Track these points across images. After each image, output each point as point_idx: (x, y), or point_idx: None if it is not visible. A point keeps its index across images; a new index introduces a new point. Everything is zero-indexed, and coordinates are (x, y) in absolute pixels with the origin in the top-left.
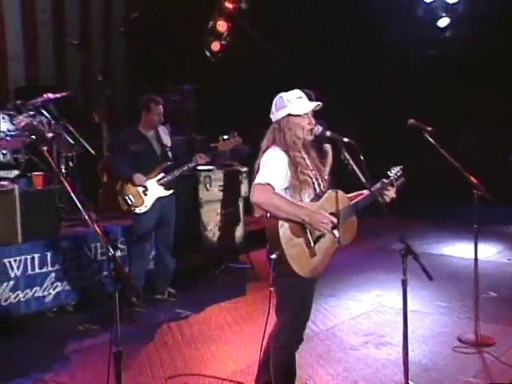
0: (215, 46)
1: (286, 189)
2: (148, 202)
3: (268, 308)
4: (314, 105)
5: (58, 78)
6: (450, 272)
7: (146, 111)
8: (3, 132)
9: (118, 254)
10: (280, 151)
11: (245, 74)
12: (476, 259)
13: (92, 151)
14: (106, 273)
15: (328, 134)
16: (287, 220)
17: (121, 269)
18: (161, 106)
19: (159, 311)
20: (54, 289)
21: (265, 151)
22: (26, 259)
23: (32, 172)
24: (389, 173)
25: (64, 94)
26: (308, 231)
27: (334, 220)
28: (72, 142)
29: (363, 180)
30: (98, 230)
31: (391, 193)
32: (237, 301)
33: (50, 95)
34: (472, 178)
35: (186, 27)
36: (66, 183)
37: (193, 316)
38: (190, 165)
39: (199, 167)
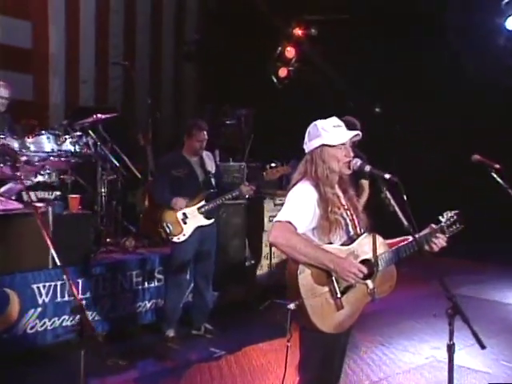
0: (282, 72)
1: (313, 229)
2: (187, 230)
3: (284, 365)
4: (351, 134)
5: (125, 100)
6: None
7: (187, 136)
8: (47, 152)
9: (154, 284)
10: (310, 186)
11: (307, 100)
12: None
13: (138, 175)
14: (71, 324)
15: (367, 168)
16: (310, 265)
17: (87, 321)
18: (204, 132)
19: (192, 349)
20: None
21: (295, 185)
22: (55, 285)
23: (76, 194)
24: (440, 217)
25: (113, 114)
26: (334, 279)
27: (364, 270)
28: (117, 164)
29: (405, 224)
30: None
31: (440, 241)
32: (277, 342)
33: (100, 116)
34: None
35: (252, 52)
36: (40, 223)
37: (226, 356)
38: (234, 193)
39: (248, 195)
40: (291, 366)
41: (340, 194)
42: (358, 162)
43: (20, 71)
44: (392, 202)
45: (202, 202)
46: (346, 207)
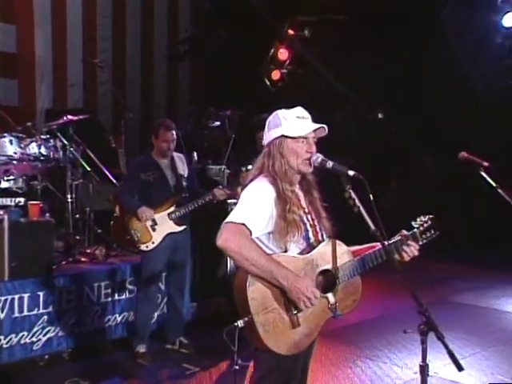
0: (275, 74)
1: (270, 233)
2: (156, 238)
3: None
4: (315, 126)
5: (115, 104)
6: None
7: (154, 137)
8: (9, 156)
9: (125, 295)
10: (266, 183)
11: (302, 104)
12: None
13: (113, 180)
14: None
15: (330, 165)
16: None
17: None
18: (172, 132)
19: (164, 365)
20: (44, 334)
21: (251, 181)
22: (12, 299)
23: (46, 200)
24: (413, 223)
25: (85, 116)
26: None
27: (318, 295)
28: (88, 168)
29: (371, 228)
30: None
31: (412, 249)
32: None
33: (70, 117)
34: None
35: (245, 54)
36: None
37: (200, 374)
38: (207, 198)
39: (230, 200)
40: None
41: (301, 194)
42: (319, 157)
43: (5, 76)
44: (357, 202)
45: (173, 208)
46: (306, 210)
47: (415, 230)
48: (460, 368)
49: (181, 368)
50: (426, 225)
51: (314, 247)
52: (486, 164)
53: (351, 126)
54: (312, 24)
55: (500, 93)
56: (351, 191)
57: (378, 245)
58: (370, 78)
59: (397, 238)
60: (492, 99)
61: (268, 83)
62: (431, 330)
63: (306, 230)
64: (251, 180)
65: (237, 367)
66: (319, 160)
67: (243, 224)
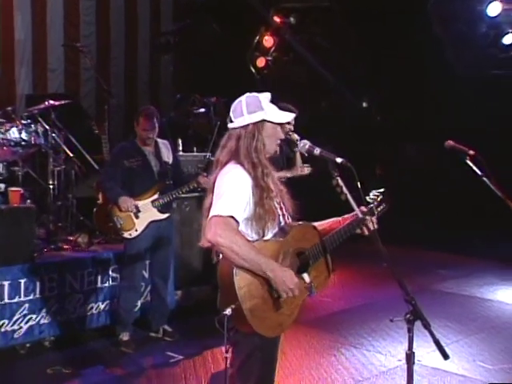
0: (261, 61)
1: (247, 220)
2: (139, 225)
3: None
4: (293, 115)
5: (99, 90)
6: (501, 323)
7: (136, 124)
8: None
9: (109, 283)
10: (242, 170)
11: (288, 91)
12: None
13: (95, 165)
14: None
15: (317, 151)
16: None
17: None
18: (153, 121)
19: (147, 353)
20: (26, 322)
21: (224, 166)
22: None
23: (28, 187)
24: (368, 198)
25: (67, 101)
26: None
27: (300, 285)
28: (71, 154)
29: (359, 215)
30: None
31: (371, 224)
32: None
33: (52, 102)
34: None
35: (230, 41)
36: None
37: (183, 362)
38: (191, 185)
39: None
40: None
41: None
42: (306, 144)
43: None
44: (344, 189)
45: (157, 195)
46: (274, 193)
47: (371, 205)
48: (446, 356)
49: (164, 356)
50: (379, 198)
51: (286, 230)
52: (471, 152)
53: (336, 114)
54: (298, 11)
55: (484, 82)
56: (338, 178)
57: (340, 219)
58: (355, 66)
59: (357, 212)
60: (476, 89)
61: (253, 70)
62: (418, 319)
63: (278, 214)
64: (224, 164)
65: (228, 355)
66: (306, 147)
67: (231, 217)
